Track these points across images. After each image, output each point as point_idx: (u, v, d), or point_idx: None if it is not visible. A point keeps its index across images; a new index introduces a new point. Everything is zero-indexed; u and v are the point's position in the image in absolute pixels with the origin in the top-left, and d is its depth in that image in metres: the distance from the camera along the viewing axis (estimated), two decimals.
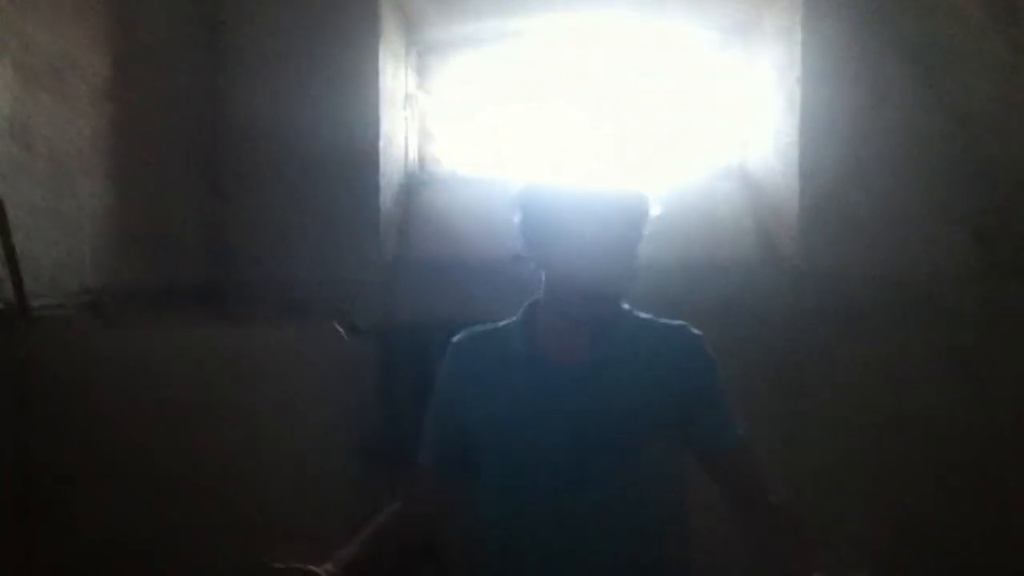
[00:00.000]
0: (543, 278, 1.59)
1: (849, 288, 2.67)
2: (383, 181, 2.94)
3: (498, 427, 1.55)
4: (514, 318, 1.65)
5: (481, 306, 2.75)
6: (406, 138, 3.13)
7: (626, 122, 3.18)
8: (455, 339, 1.67)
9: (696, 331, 1.61)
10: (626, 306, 1.62)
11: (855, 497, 2.54)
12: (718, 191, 3.08)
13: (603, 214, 1.50)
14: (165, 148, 2.71)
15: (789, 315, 2.68)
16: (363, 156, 2.85)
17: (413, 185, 3.17)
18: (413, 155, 3.21)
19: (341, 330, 2.69)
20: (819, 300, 2.68)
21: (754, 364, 2.44)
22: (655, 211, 1.55)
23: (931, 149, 2.72)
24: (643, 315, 1.62)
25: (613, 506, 1.51)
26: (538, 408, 1.53)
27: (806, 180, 2.81)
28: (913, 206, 2.72)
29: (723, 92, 3.18)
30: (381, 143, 2.91)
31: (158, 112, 2.68)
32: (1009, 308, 2.61)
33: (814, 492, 2.11)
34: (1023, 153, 2.61)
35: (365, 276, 2.80)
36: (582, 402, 1.52)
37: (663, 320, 1.62)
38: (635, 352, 1.56)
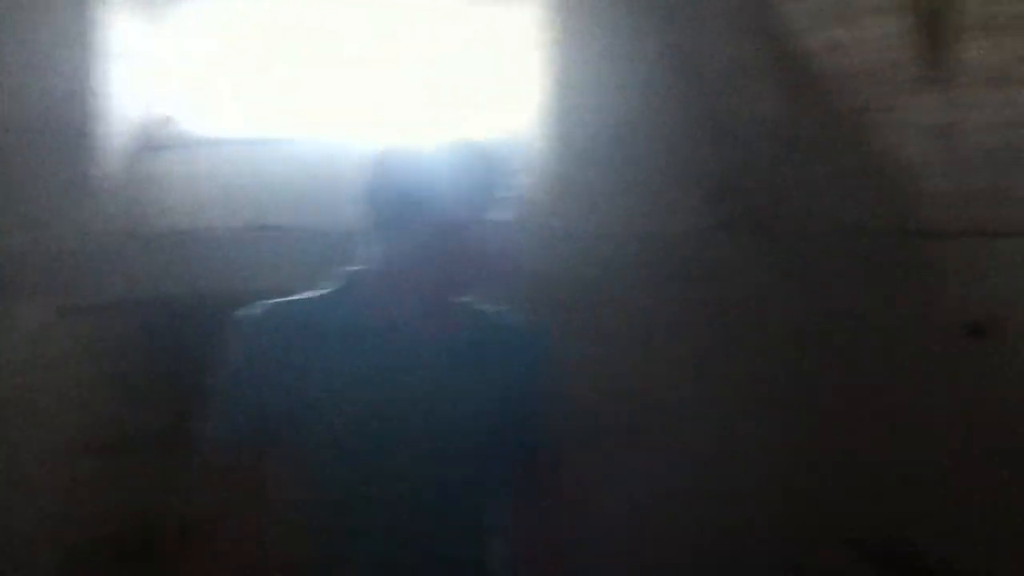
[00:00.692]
0: (382, 250, 1.47)
1: (599, 250, 2.70)
2: (104, 143, 2.65)
3: (333, 405, 1.41)
4: (326, 290, 1.51)
5: (221, 280, 2.56)
6: (123, 95, 2.81)
7: (380, 76, 3.03)
8: (245, 313, 1.47)
9: (526, 321, 1.60)
10: None
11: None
12: None
13: (465, 184, 1.44)
14: None
15: (542, 277, 2.66)
16: (73, 115, 2.55)
17: (145, 148, 2.88)
18: (144, 115, 2.91)
19: (55, 308, 2.43)
20: (570, 262, 2.69)
21: None
22: (515, 167, 1.51)
23: (676, 111, 2.77)
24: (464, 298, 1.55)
25: (453, 497, 1.45)
26: (386, 385, 1.42)
27: (560, 141, 2.80)
28: (659, 167, 2.77)
29: (479, 50, 3.11)
30: (98, 101, 2.62)
31: None
32: (741, 264, 2.71)
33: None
34: (755, 115, 2.71)
35: (82, 248, 2.52)
36: (437, 382, 1.45)
37: (486, 306, 1.57)
38: (475, 336, 1.51)
